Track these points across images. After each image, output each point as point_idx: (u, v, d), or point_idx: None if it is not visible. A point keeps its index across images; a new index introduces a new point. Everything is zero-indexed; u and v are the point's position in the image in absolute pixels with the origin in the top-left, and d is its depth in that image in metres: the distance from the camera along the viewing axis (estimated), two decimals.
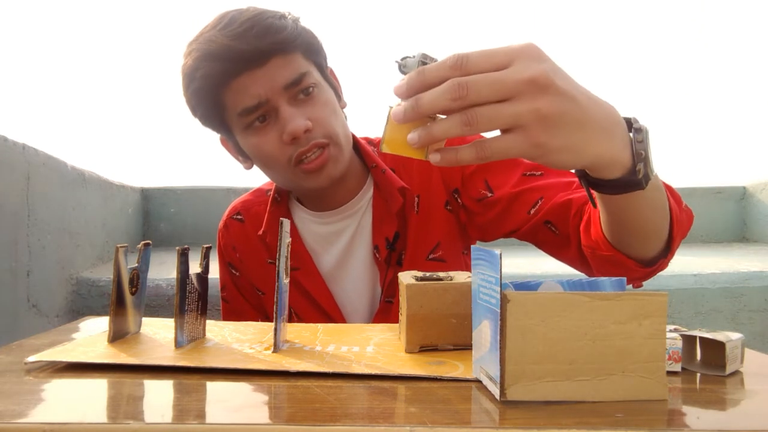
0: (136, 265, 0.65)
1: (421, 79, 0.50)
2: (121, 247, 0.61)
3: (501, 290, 0.44)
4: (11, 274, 1.14)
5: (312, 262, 0.99)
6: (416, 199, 0.97)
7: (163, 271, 1.53)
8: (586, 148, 0.53)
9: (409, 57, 0.53)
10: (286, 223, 0.60)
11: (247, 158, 0.96)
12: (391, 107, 0.53)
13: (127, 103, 2.94)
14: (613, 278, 0.50)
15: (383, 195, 0.97)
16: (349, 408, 0.44)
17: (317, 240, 1.01)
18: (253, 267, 1.04)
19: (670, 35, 3.49)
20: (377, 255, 0.96)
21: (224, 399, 0.48)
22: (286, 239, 0.60)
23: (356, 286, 0.99)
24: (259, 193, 1.08)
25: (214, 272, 1.08)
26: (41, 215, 1.27)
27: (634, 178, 0.57)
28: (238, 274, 1.05)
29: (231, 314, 1.07)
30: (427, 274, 0.63)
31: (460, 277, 0.62)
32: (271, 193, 1.03)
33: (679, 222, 0.70)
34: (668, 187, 0.72)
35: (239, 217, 1.06)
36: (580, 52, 3.64)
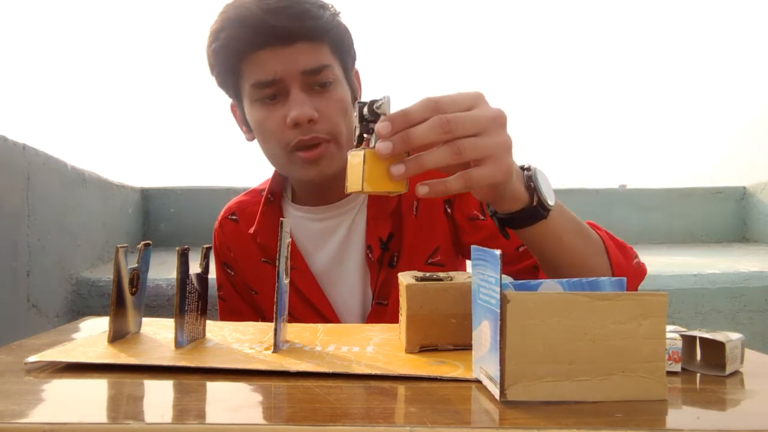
0: (136, 265, 0.65)
1: (406, 118, 0.57)
2: (121, 247, 0.61)
3: (501, 290, 0.44)
4: (11, 274, 1.14)
5: (304, 261, 0.99)
6: (415, 202, 0.97)
7: (163, 271, 1.53)
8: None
9: (378, 100, 0.59)
10: (286, 223, 0.60)
11: (250, 129, 0.96)
12: (358, 152, 0.58)
13: (127, 103, 2.94)
14: (613, 278, 0.50)
15: (378, 196, 0.96)
16: (349, 408, 0.44)
17: (310, 238, 1.00)
18: (247, 266, 1.04)
19: (670, 35, 3.49)
20: (370, 255, 0.96)
21: (224, 399, 0.48)
22: (286, 239, 0.60)
23: (349, 286, 0.98)
24: (254, 193, 1.08)
25: (214, 272, 1.08)
26: (41, 215, 1.27)
27: (531, 206, 0.69)
28: (233, 273, 1.05)
29: (228, 313, 1.06)
30: (427, 274, 0.63)
31: (460, 277, 0.62)
32: (265, 193, 1.03)
33: (618, 265, 0.78)
34: (609, 235, 0.82)
35: (234, 217, 1.06)
36: (579, 52, 3.65)
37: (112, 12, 2.93)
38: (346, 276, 0.99)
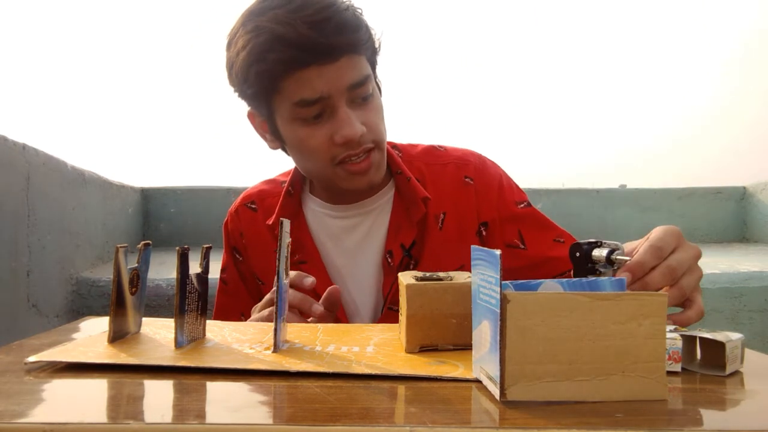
0: (136, 265, 0.65)
1: (643, 269, 0.64)
2: (121, 247, 0.61)
3: (501, 290, 0.44)
4: (11, 274, 1.14)
5: (319, 256, 0.99)
6: (442, 215, 0.97)
7: (163, 271, 1.53)
8: None
9: (615, 249, 0.66)
10: (287, 223, 0.60)
11: (277, 140, 0.95)
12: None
13: (127, 103, 2.94)
14: (613, 278, 0.50)
15: (405, 202, 0.97)
16: (349, 408, 0.44)
17: (328, 234, 1.00)
18: (257, 256, 1.03)
19: (670, 35, 3.50)
20: (389, 260, 0.96)
21: (224, 399, 0.48)
22: (286, 239, 0.60)
23: (362, 287, 0.98)
24: (274, 183, 1.07)
25: (214, 272, 1.08)
26: (41, 215, 1.27)
27: None
28: (241, 259, 1.05)
29: (227, 295, 1.06)
30: (427, 274, 0.63)
31: (460, 277, 0.62)
32: (285, 185, 1.02)
33: None
34: None
35: (253, 205, 1.05)
36: (579, 52, 3.65)
37: (112, 12, 2.93)
38: (359, 277, 0.99)
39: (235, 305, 1.04)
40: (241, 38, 0.85)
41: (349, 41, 0.84)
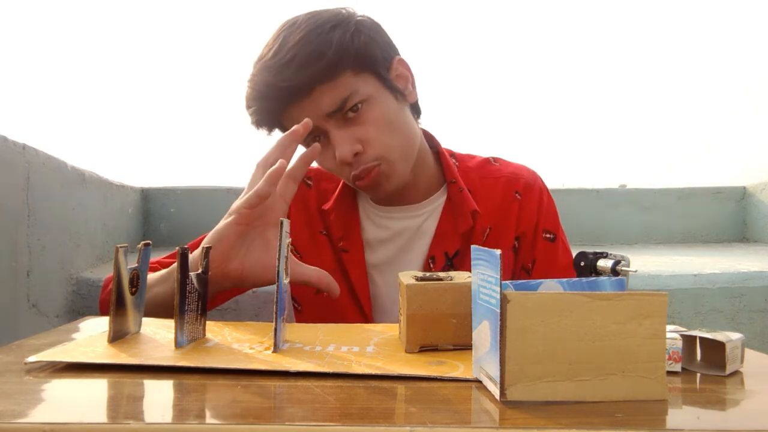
0: (136, 265, 0.65)
1: None
2: (121, 247, 0.61)
3: (501, 290, 0.44)
4: (11, 274, 1.14)
5: (362, 249, 1.00)
6: (488, 229, 0.98)
7: None
8: None
9: (623, 264, 0.65)
10: (286, 223, 0.60)
11: None
12: None
13: (127, 103, 2.94)
14: (613, 278, 0.50)
15: (454, 212, 0.98)
16: (349, 408, 0.44)
17: (375, 233, 1.02)
18: (300, 232, 1.03)
19: (670, 35, 3.49)
20: (431, 265, 0.97)
21: (224, 399, 0.48)
22: (286, 239, 0.60)
23: (398, 287, 0.99)
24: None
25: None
26: (41, 215, 1.27)
27: None
28: None
29: None
30: (427, 274, 0.63)
31: (460, 277, 0.62)
32: None
33: None
34: None
35: (309, 182, 1.06)
36: (580, 51, 3.64)
37: (112, 12, 2.93)
38: (389, 288, 0.99)
39: None
40: (246, 91, 0.93)
41: (316, 73, 0.85)
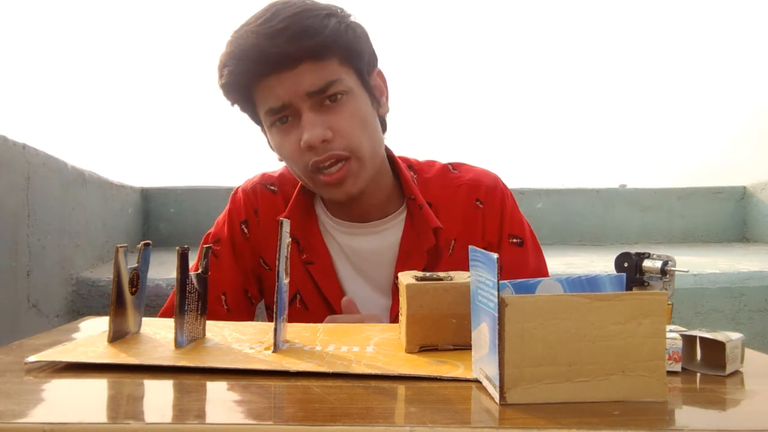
0: (136, 265, 0.65)
1: None
2: (121, 247, 0.61)
3: (499, 294, 0.44)
4: (11, 274, 1.14)
5: (330, 259, 0.97)
6: (452, 241, 0.96)
7: (163, 271, 1.53)
8: None
9: (671, 264, 0.64)
10: (286, 223, 0.60)
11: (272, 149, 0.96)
12: None
13: (127, 103, 2.94)
14: (613, 276, 0.50)
15: (416, 229, 0.95)
16: (349, 408, 0.44)
17: (334, 248, 0.98)
18: (271, 239, 0.99)
19: (670, 35, 3.49)
20: (398, 285, 0.95)
21: (224, 399, 0.48)
22: (286, 239, 0.60)
23: (366, 308, 0.95)
24: (291, 173, 1.03)
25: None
26: (41, 215, 1.27)
27: None
28: (247, 236, 1.00)
29: (212, 270, 0.95)
30: (427, 274, 0.63)
31: (460, 277, 0.62)
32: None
33: None
34: None
35: (273, 188, 1.02)
36: (580, 51, 3.65)
37: (112, 12, 2.93)
38: (364, 297, 0.96)
39: (218, 282, 0.97)
40: (221, 53, 0.88)
41: (307, 47, 0.83)
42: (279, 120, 0.88)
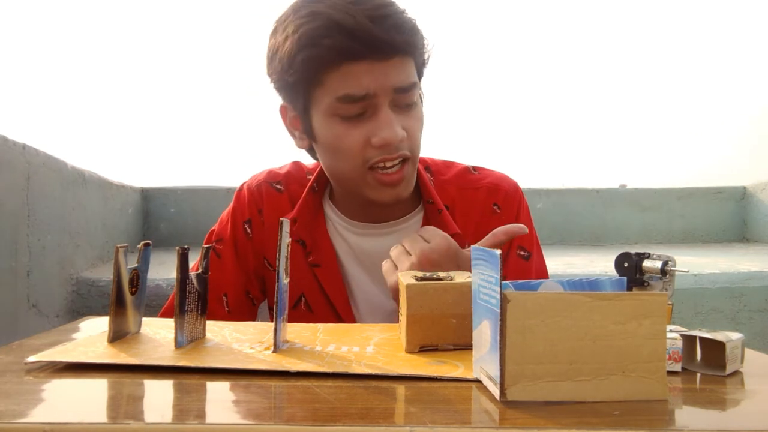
0: (136, 265, 0.65)
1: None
2: (121, 247, 0.61)
3: (501, 290, 0.44)
4: (11, 274, 1.14)
5: (336, 262, 0.95)
6: (467, 245, 0.94)
7: (163, 271, 1.53)
8: None
9: (671, 264, 0.64)
10: (286, 223, 0.60)
11: (307, 138, 0.90)
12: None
13: (127, 103, 2.94)
14: (614, 280, 0.50)
15: None
16: (349, 408, 0.44)
17: (344, 249, 0.96)
18: (275, 239, 0.97)
19: (670, 35, 3.49)
20: None
21: (224, 399, 0.48)
22: (286, 239, 0.60)
23: (373, 310, 0.94)
24: (299, 170, 1.00)
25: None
26: (41, 215, 1.27)
27: None
28: (251, 235, 0.97)
29: (214, 269, 0.94)
30: (427, 274, 0.63)
31: (460, 277, 0.62)
32: (312, 178, 0.96)
33: None
34: None
35: (279, 186, 0.98)
36: (579, 51, 3.65)
37: (112, 12, 2.93)
38: (373, 299, 0.95)
39: (219, 283, 0.95)
40: (292, 23, 0.81)
41: (405, 41, 0.81)
42: (354, 113, 0.82)
